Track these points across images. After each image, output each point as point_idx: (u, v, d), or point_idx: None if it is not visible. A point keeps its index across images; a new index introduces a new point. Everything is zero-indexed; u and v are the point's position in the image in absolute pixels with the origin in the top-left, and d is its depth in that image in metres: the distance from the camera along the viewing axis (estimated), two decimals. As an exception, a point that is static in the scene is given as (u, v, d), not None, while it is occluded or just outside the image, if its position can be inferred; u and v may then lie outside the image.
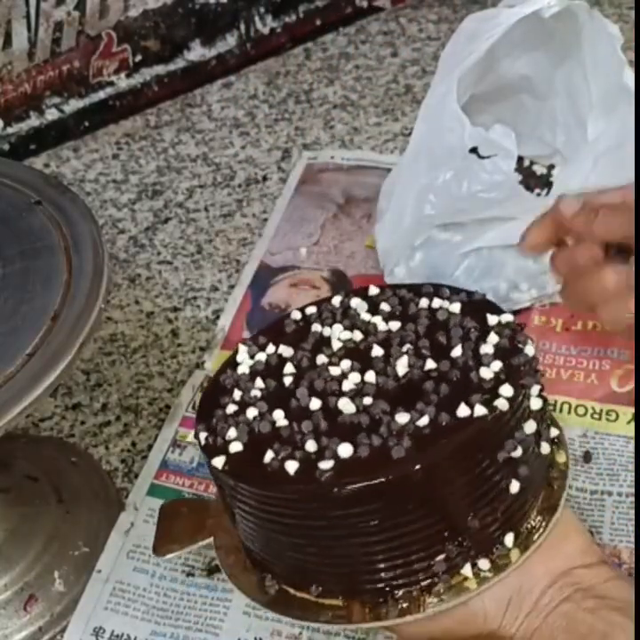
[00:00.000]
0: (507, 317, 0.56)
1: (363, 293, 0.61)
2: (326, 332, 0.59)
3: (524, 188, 0.76)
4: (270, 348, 0.59)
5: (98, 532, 0.70)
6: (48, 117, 1.03)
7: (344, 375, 0.55)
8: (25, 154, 1.03)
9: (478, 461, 0.50)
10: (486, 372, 0.52)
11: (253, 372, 0.57)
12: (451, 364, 0.54)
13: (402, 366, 0.54)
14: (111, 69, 1.04)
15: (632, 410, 0.72)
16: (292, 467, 0.51)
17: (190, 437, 0.75)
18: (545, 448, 0.54)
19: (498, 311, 0.57)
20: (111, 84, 1.05)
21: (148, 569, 0.68)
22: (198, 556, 0.69)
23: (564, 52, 0.78)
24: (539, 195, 0.81)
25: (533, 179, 0.83)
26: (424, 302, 0.58)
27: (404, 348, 0.55)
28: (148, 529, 0.70)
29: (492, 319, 0.56)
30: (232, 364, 0.59)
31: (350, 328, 0.58)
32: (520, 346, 0.54)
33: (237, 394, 0.56)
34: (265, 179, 0.98)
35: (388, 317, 0.58)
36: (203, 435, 0.55)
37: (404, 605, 0.52)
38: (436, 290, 0.59)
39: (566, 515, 0.55)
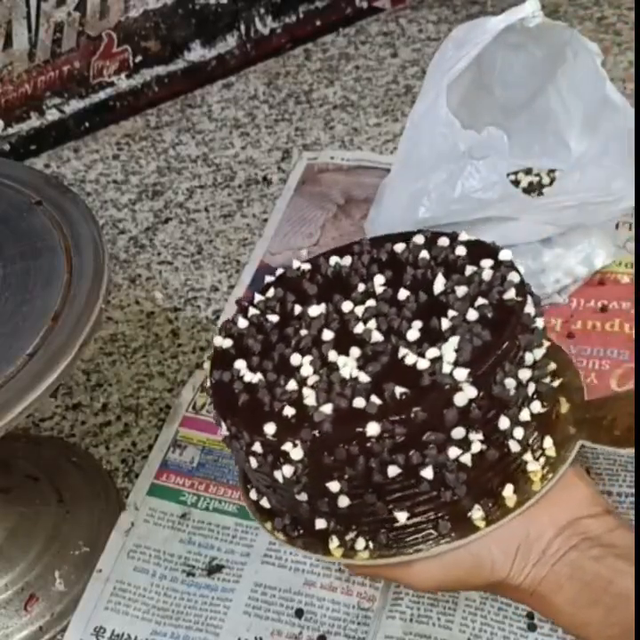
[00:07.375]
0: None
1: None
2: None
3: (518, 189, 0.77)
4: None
5: (98, 532, 0.70)
6: (48, 118, 1.03)
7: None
8: (25, 154, 1.03)
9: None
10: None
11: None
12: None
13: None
14: (111, 70, 1.05)
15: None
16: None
17: (191, 436, 0.75)
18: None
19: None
20: (111, 84, 1.05)
21: (149, 569, 0.68)
22: (198, 555, 0.69)
23: (549, 66, 0.79)
24: (532, 195, 0.81)
25: (526, 184, 0.83)
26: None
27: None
28: (149, 529, 0.70)
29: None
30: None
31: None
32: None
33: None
34: (265, 179, 0.98)
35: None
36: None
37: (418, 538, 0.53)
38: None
39: (574, 466, 0.55)
